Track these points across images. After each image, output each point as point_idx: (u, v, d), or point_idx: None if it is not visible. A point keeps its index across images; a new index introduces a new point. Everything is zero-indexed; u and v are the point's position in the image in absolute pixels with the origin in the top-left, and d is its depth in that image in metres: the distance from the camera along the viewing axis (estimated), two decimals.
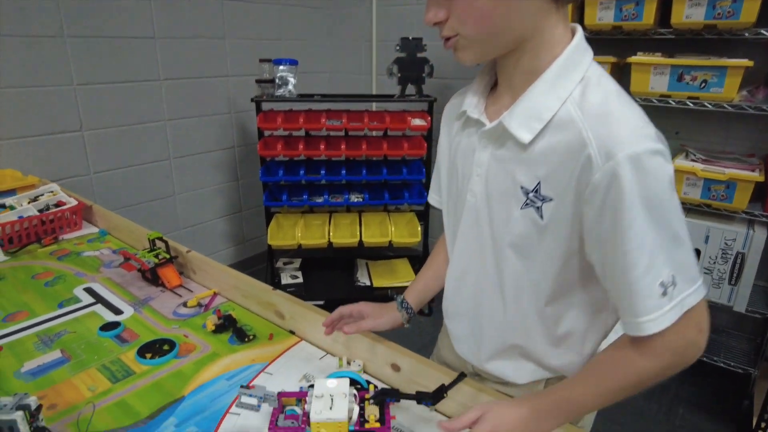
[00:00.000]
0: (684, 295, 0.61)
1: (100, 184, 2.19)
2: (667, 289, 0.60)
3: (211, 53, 2.47)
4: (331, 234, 2.45)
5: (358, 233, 2.46)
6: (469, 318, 0.85)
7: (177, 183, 2.48)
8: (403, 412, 0.81)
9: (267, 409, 0.73)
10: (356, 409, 0.71)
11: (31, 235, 1.50)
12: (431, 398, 0.75)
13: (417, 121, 2.32)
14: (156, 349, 0.96)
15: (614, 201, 0.59)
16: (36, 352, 0.96)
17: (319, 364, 0.94)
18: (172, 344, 0.97)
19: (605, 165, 0.59)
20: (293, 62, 2.31)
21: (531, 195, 0.67)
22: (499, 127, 0.69)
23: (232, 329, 1.02)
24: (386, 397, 0.73)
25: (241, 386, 0.74)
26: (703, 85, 1.76)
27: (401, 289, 2.61)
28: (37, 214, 1.53)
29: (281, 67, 2.28)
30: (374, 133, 2.61)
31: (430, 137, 2.37)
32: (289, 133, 2.45)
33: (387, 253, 2.96)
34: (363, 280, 2.72)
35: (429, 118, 2.33)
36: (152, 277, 1.20)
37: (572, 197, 0.64)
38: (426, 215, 2.54)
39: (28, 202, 1.59)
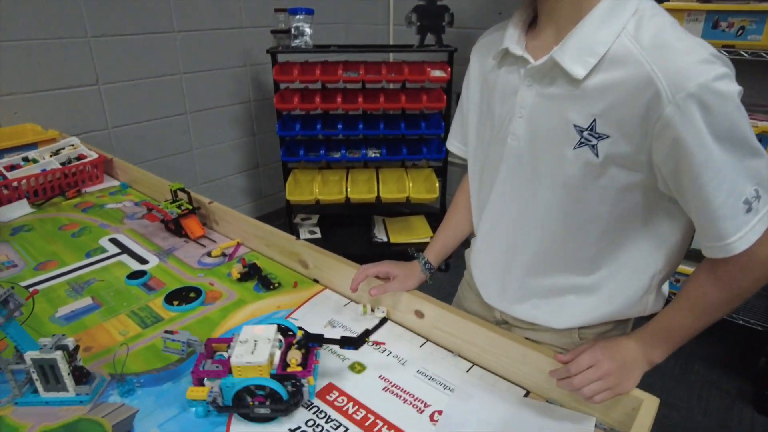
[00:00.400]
0: None
1: (118, 139, 2.19)
2: (751, 205, 0.61)
3: (225, 3, 2.41)
4: (348, 190, 2.44)
5: (376, 189, 2.45)
6: (503, 263, 0.84)
7: (194, 138, 2.47)
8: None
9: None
10: (278, 353, 0.71)
11: (55, 188, 1.51)
12: (354, 343, 0.76)
13: (437, 73, 2.26)
14: (182, 296, 0.97)
15: (688, 134, 0.58)
16: (68, 298, 0.99)
17: (344, 310, 0.95)
18: (198, 292, 0.98)
19: (675, 98, 0.57)
20: (309, 11, 2.24)
21: (585, 133, 0.65)
22: (549, 63, 0.66)
23: (257, 277, 1.03)
24: (310, 341, 0.74)
25: (165, 331, 0.75)
26: (740, 32, 1.68)
27: (418, 245, 2.61)
28: (60, 167, 1.54)
29: (297, 17, 2.22)
30: (391, 86, 2.56)
31: (450, 89, 2.32)
32: (306, 86, 2.41)
33: (403, 209, 2.95)
34: (380, 236, 2.73)
35: (449, 69, 2.27)
36: (175, 227, 1.21)
37: (638, 133, 0.62)
38: (444, 171, 2.51)
39: (50, 156, 1.60)
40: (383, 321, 0.80)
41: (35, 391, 0.73)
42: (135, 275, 1.05)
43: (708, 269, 0.68)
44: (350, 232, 2.83)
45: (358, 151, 2.48)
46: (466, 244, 1.00)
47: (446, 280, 2.50)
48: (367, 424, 0.70)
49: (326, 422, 0.70)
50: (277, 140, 2.43)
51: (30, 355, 0.70)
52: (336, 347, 0.84)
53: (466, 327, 0.82)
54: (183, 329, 0.89)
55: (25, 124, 1.85)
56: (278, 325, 0.76)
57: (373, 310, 0.94)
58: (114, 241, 1.22)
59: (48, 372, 0.71)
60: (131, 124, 2.22)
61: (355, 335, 0.88)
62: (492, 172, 0.80)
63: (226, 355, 0.72)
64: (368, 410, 0.72)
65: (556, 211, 0.73)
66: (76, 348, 0.74)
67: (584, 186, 0.69)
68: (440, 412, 0.72)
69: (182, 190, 1.25)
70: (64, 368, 0.71)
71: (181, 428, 0.69)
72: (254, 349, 0.69)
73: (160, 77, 2.26)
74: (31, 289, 1.00)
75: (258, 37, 2.56)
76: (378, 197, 2.42)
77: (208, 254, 1.14)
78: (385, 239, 2.70)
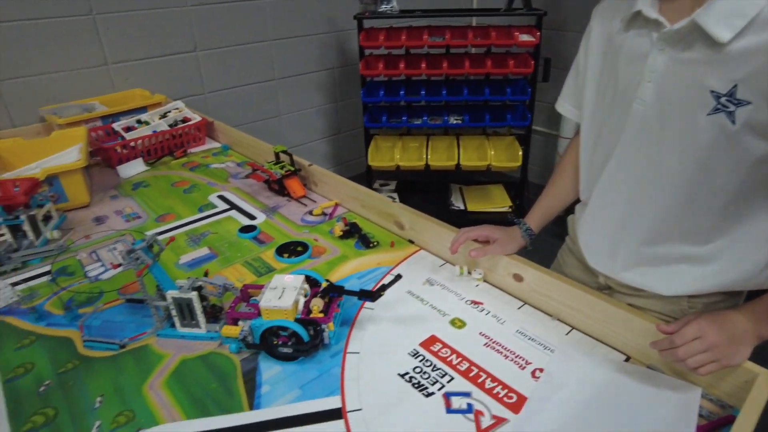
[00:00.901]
0: None
1: (213, 103, 2.32)
2: None
3: None
4: (428, 157, 2.45)
5: (456, 156, 2.44)
6: (616, 230, 0.83)
7: (282, 103, 2.56)
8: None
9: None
10: (302, 300, 0.78)
11: (165, 149, 1.64)
12: (371, 296, 0.80)
13: (524, 37, 2.19)
14: (291, 250, 1.05)
15: None
16: (188, 248, 1.09)
17: (440, 270, 0.99)
18: (305, 246, 1.05)
19: None
20: None
21: (723, 99, 0.63)
22: (688, 27, 0.64)
23: (358, 235, 1.09)
24: (330, 292, 0.80)
25: (204, 274, 0.84)
26: None
27: (496, 215, 2.56)
28: (168, 129, 1.67)
29: None
30: (473, 50, 2.51)
31: (537, 54, 2.24)
32: (389, 52, 2.42)
33: (481, 178, 2.93)
34: (457, 204, 2.73)
35: (538, 33, 2.19)
36: (279, 187, 1.29)
37: None
38: (527, 139, 2.45)
39: (159, 118, 1.73)
40: (398, 277, 0.85)
41: (172, 325, 0.83)
42: (246, 229, 1.13)
43: None
44: (427, 199, 2.85)
45: (440, 117, 2.47)
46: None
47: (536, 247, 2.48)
48: (471, 375, 0.73)
49: (432, 370, 0.74)
50: (358, 106, 2.47)
51: (171, 293, 0.79)
52: (437, 304, 0.89)
53: (568, 291, 0.83)
54: None
55: (135, 89, 2.00)
56: (306, 276, 0.83)
57: (469, 272, 0.97)
58: (222, 197, 1.32)
59: (185, 309, 0.80)
60: (224, 89, 2.34)
61: (453, 294, 0.92)
62: (611, 137, 0.78)
63: (258, 299, 0.79)
64: (471, 362, 0.76)
65: (681, 180, 0.71)
66: (205, 274, 0.82)
67: (715, 155, 0.67)
68: (541, 370, 0.75)
69: (285, 152, 1.32)
70: (198, 307, 0.80)
71: (300, 367, 0.76)
72: (281, 295, 0.76)
73: (250, 44, 2.35)
74: (169, 236, 1.12)
75: (344, 3, 2.58)
76: (458, 165, 2.42)
77: (310, 213, 1.21)
78: (462, 207, 2.70)
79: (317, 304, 0.77)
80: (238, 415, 0.68)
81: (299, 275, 0.81)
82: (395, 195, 2.79)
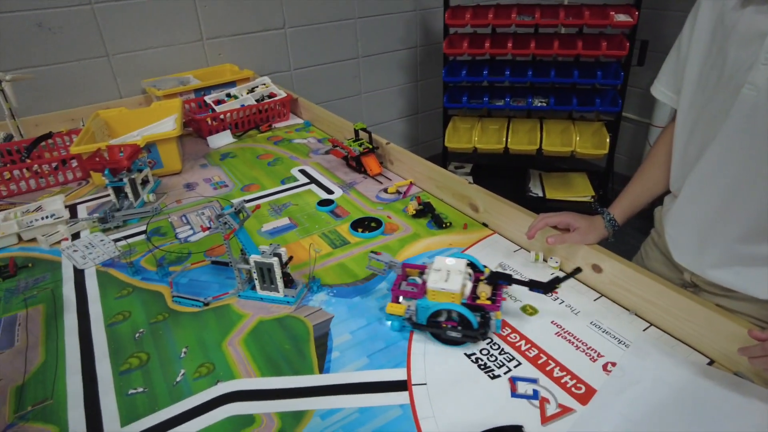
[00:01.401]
0: None
1: (298, 80, 2.38)
2: None
3: None
4: (508, 140, 2.39)
5: (538, 140, 2.36)
6: (709, 225, 0.78)
7: (363, 82, 2.59)
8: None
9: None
10: (469, 285, 0.75)
11: (251, 122, 1.72)
12: (543, 287, 0.77)
13: (621, 17, 2.06)
14: (365, 225, 1.07)
15: None
16: (270, 217, 1.14)
17: (514, 256, 0.97)
18: (378, 222, 1.07)
19: None
20: None
21: None
22: None
23: (431, 215, 1.09)
24: (498, 279, 0.77)
25: (371, 251, 0.82)
26: None
27: (576, 204, 2.46)
28: (255, 103, 1.74)
29: None
30: (563, 31, 2.39)
31: (633, 36, 2.10)
32: (474, 31, 2.36)
33: (562, 165, 2.81)
34: (535, 191, 2.65)
35: (636, 13, 2.05)
36: (356, 164, 1.32)
37: None
38: (616, 126, 2.32)
39: (247, 93, 1.81)
40: (577, 270, 0.81)
41: (253, 288, 0.88)
42: (324, 203, 1.17)
43: None
44: (504, 184, 2.78)
45: (524, 99, 2.39)
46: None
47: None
48: (539, 362, 0.72)
49: (500, 354, 0.74)
50: (438, 87, 2.44)
51: (254, 257, 0.84)
52: (509, 289, 0.87)
53: (650, 286, 0.78)
54: (367, 252, 0.99)
55: (225, 64, 2.10)
56: (467, 260, 0.80)
57: (545, 260, 0.94)
58: (303, 172, 1.36)
59: (265, 273, 0.85)
60: (309, 66, 2.40)
61: (526, 280, 0.90)
62: (712, 124, 0.73)
63: (417, 279, 0.79)
64: (541, 350, 0.74)
65: None
66: (290, 259, 0.86)
67: None
68: (614, 364, 0.72)
69: (364, 130, 1.34)
70: (277, 272, 0.84)
71: (369, 337, 0.78)
72: (447, 278, 0.74)
73: (337, 22, 2.38)
74: (255, 203, 1.19)
75: None
76: (540, 149, 2.34)
77: (385, 190, 1.22)
78: (540, 194, 2.61)
79: (485, 290, 0.75)
80: (309, 377, 0.72)
81: (461, 259, 0.79)
82: (470, 178, 2.75)
